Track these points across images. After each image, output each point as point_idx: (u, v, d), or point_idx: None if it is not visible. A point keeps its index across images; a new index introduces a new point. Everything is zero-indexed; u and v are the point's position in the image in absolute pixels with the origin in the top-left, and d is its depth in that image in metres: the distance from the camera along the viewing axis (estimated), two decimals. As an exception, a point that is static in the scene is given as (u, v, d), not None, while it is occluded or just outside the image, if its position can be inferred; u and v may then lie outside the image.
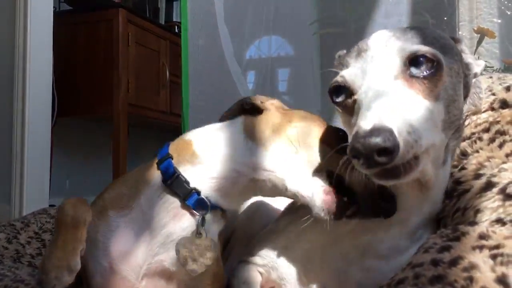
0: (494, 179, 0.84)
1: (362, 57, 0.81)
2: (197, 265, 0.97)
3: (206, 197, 0.99)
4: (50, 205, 2.75)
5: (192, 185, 0.99)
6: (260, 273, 1.08)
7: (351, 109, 0.80)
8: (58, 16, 3.40)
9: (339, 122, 0.94)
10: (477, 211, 0.81)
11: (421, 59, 0.76)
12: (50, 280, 0.88)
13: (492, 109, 1.01)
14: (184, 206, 0.98)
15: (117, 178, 1.10)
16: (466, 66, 0.88)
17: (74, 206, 0.95)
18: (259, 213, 1.31)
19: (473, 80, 0.90)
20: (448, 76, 0.78)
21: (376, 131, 0.65)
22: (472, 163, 0.91)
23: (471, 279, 0.64)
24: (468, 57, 0.89)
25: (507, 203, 0.78)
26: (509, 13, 2.42)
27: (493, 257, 0.67)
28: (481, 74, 0.90)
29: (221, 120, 1.14)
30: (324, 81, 2.58)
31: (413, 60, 0.76)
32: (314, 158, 0.97)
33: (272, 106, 1.10)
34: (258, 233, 1.21)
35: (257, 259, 1.08)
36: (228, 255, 1.29)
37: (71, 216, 0.93)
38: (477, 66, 0.88)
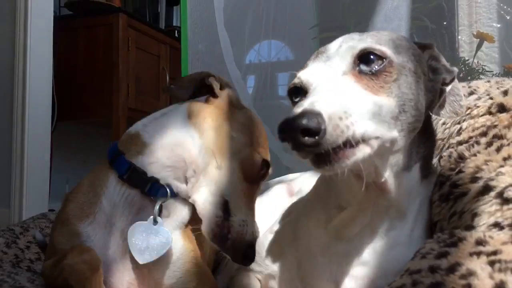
0: (492, 183, 0.83)
1: (318, 58, 0.84)
2: (149, 253, 0.96)
3: (167, 185, 0.99)
4: (49, 210, 2.74)
5: (149, 174, 0.99)
6: (259, 280, 1.08)
7: None
8: (59, 20, 3.41)
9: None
10: (474, 214, 0.80)
11: (371, 56, 0.78)
12: None
13: (490, 113, 1.01)
14: (146, 197, 0.98)
15: (73, 188, 1.07)
16: (434, 70, 0.89)
17: (83, 261, 0.90)
18: (258, 217, 1.31)
19: (449, 87, 0.90)
20: (402, 74, 0.79)
21: (304, 113, 0.67)
22: (469, 166, 0.91)
23: (469, 287, 0.64)
24: (437, 64, 0.89)
25: (505, 207, 0.78)
26: (508, 17, 2.42)
27: (491, 263, 0.67)
28: (451, 81, 0.90)
29: (174, 84, 1.13)
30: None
31: (362, 57, 0.79)
32: (229, 177, 0.99)
33: (224, 96, 1.09)
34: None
35: (254, 265, 1.08)
36: (228, 259, 1.29)
37: (86, 268, 0.90)
38: (447, 72, 0.89)
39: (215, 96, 1.08)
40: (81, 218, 0.98)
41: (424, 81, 0.85)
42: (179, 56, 2.62)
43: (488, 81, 1.14)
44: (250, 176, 1.03)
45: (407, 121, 0.79)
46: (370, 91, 0.76)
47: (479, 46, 2.33)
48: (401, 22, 2.32)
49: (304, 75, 0.83)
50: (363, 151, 0.72)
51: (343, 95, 0.73)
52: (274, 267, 1.05)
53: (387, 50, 0.79)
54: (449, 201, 0.89)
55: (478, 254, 0.69)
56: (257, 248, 1.09)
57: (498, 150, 0.91)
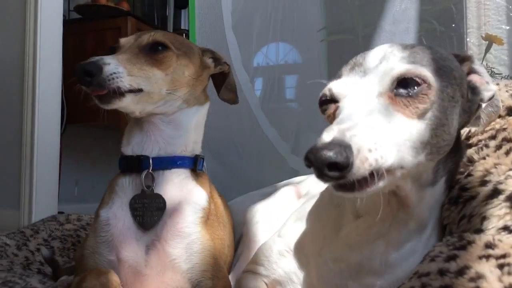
0: (501, 186, 0.83)
1: (354, 71, 0.81)
2: (148, 217, 1.07)
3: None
4: (58, 212, 2.76)
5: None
6: (266, 284, 1.08)
7: (334, 119, 0.80)
8: (68, 24, 3.44)
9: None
10: (483, 218, 0.80)
11: (410, 80, 0.75)
12: None
13: (499, 116, 1.00)
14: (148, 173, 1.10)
15: None
16: (472, 91, 0.86)
17: (101, 284, 0.98)
18: (266, 220, 1.32)
19: (486, 103, 0.88)
20: (439, 98, 0.77)
21: (332, 144, 0.65)
22: (478, 169, 0.90)
23: (478, 289, 0.64)
24: (479, 81, 0.86)
25: (514, 210, 0.78)
26: (517, 19, 2.41)
27: (500, 266, 0.67)
28: (490, 99, 0.88)
29: None
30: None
31: (401, 81, 0.76)
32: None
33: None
34: (261, 240, 1.21)
35: (261, 269, 1.08)
36: (237, 260, 1.29)
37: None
38: (486, 92, 0.86)
39: None
40: (103, 206, 1.12)
41: (461, 104, 0.82)
42: (187, 59, 2.62)
43: (497, 84, 1.14)
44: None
45: (437, 145, 0.77)
46: (403, 114, 0.74)
47: (488, 49, 2.32)
48: (409, 24, 2.31)
49: (337, 88, 0.81)
50: (386, 180, 0.70)
51: (375, 123, 0.71)
52: (281, 272, 1.05)
53: (427, 74, 0.76)
54: (458, 205, 0.88)
55: (487, 257, 0.69)
56: (264, 252, 1.10)
57: (508, 153, 0.91)
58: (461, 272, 0.67)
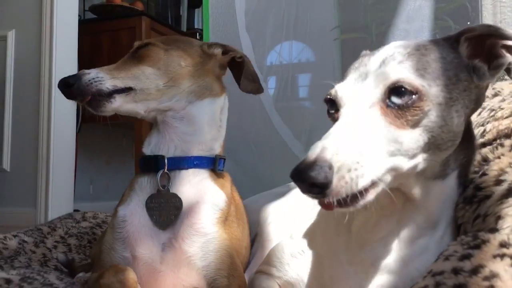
0: (516, 186, 0.83)
1: (358, 71, 0.82)
2: (165, 216, 1.08)
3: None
4: (74, 210, 2.79)
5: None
6: (279, 285, 1.08)
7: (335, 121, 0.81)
8: (83, 24, 3.47)
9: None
10: (498, 217, 0.80)
11: (402, 89, 0.76)
12: None
13: (514, 115, 1.00)
14: (164, 173, 1.11)
15: None
16: (477, 71, 0.83)
17: (118, 281, 0.99)
18: (279, 220, 1.32)
19: None
20: (434, 104, 0.77)
21: (314, 164, 0.68)
22: (493, 169, 0.90)
23: (492, 288, 0.64)
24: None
25: (530, 210, 0.77)
26: (533, 17, 2.38)
27: (515, 265, 0.66)
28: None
29: None
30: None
31: (394, 90, 0.76)
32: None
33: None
34: (274, 240, 1.21)
35: (273, 270, 1.08)
36: (251, 259, 1.30)
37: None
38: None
39: None
40: (121, 204, 1.14)
41: (463, 98, 0.81)
42: (201, 58, 2.63)
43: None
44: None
45: (437, 143, 0.78)
46: (394, 126, 0.75)
47: (503, 46, 2.29)
48: (423, 22, 2.30)
49: (340, 91, 0.83)
50: (373, 193, 0.73)
51: (361, 139, 0.72)
52: (293, 274, 1.05)
53: (420, 83, 0.76)
54: (473, 204, 0.88)
55: (502, 256, 0.69)
56: (277, 253, 1.10)
57: (523, 152, 0.90)
58: (475, 271, 0.67)
